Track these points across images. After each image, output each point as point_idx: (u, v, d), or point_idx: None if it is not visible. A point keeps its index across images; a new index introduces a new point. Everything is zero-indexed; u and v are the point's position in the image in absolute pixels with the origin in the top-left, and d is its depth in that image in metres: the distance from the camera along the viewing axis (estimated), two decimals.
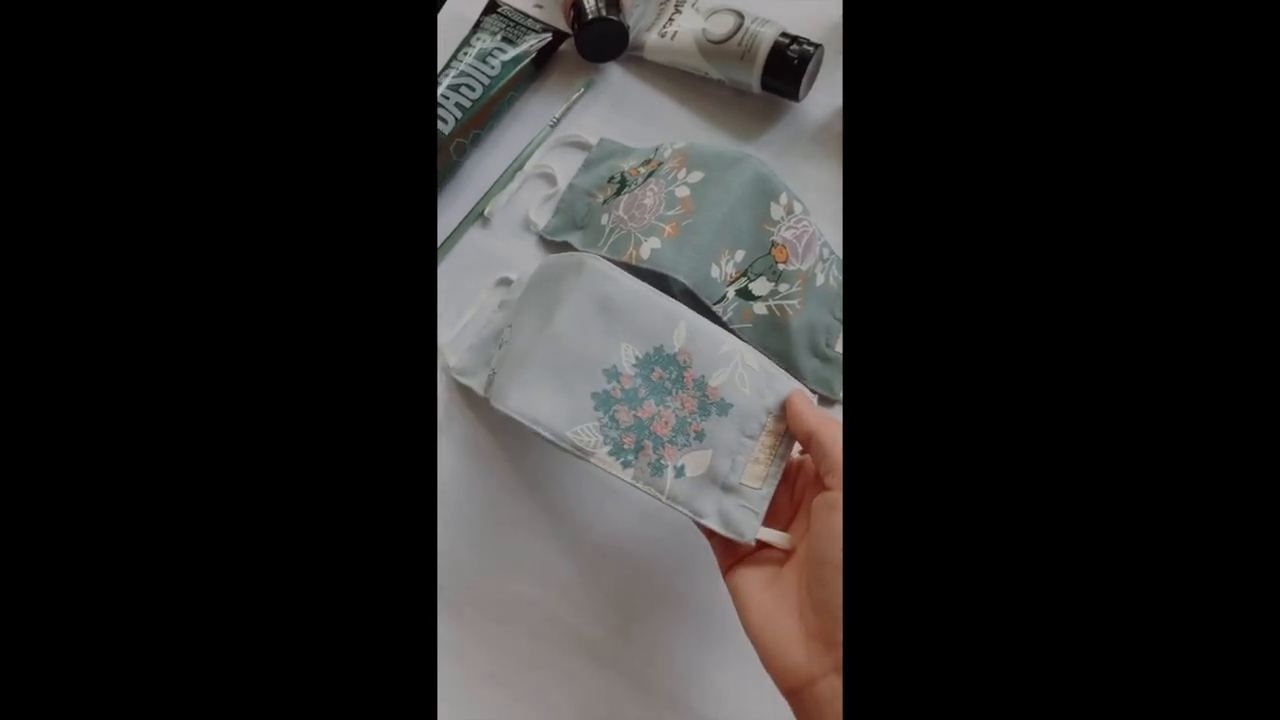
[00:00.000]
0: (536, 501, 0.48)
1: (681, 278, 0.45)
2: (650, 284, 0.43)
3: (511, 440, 0.50)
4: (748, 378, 0.39)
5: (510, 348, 0.40)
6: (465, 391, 0.50)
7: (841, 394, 0.50)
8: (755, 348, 0.42)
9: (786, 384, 0.39)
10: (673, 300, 0.39)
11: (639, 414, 0.38)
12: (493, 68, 0.57)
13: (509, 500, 0.48)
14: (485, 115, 0.56)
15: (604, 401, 0.37)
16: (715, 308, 0.47)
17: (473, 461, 0.49)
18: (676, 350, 0.38)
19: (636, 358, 0.38)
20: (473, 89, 0.56)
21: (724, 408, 0.38)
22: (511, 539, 0.48)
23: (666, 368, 0.38)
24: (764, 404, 0.38)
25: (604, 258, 0.42)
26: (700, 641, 0.46)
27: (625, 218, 0.49)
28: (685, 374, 0.38)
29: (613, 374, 0.38)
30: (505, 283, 0.53)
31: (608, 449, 0.37)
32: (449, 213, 0.56)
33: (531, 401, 0.37)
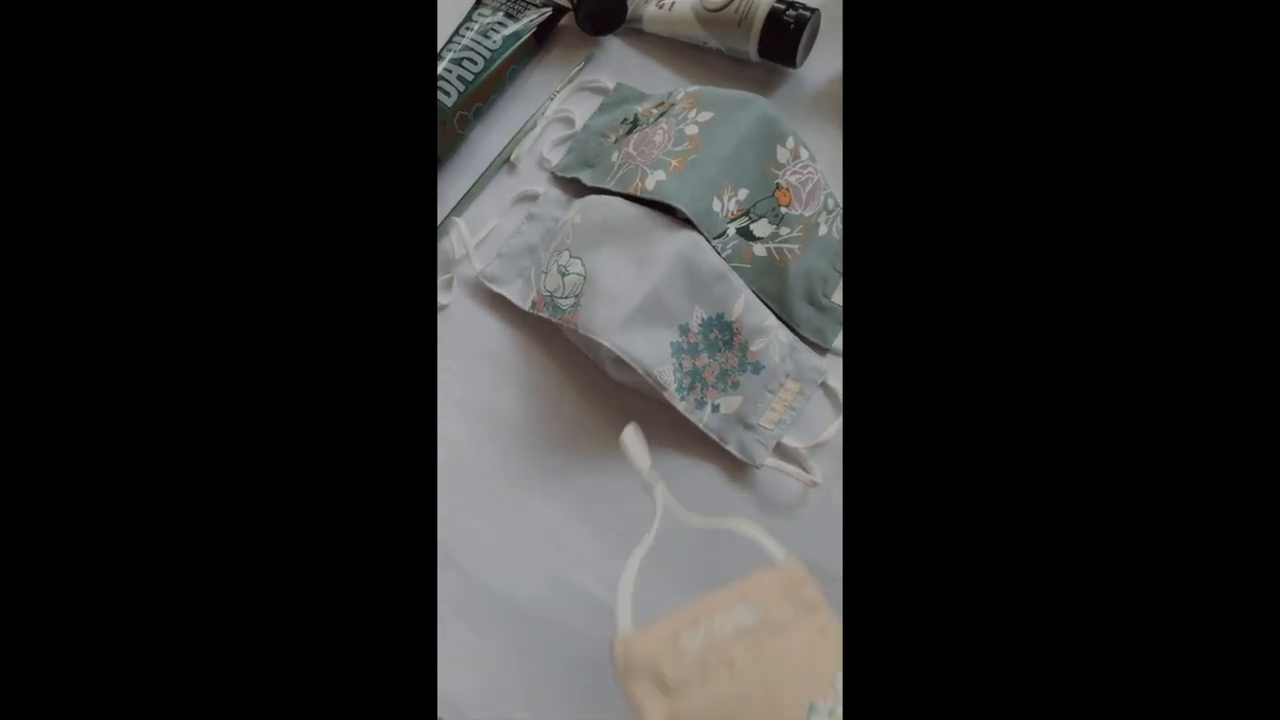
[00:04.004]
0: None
1: (683, 207, 0.45)
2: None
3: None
4: (778, 348, 0.48)
5: (592, 283, 0.46)
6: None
7: (834, 343, 0.50)
8: (751, 289, 0.47)
9: (808, 357, 0.49)
10: (739, 278, 0.47)
11: (696, 363, 0.47)
12: (494, 42, 0.58)
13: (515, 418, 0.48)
14: (488, 89, 0.57)
15: (676, 350, 0.46)
16: (715, 243, 0.46)
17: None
18: (733, 319, 0.47)
19: (703, 319, 0.47)
20: (475, 63, 0.57)
21: (758, 368, 0.48)
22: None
23: (723, 331, 0.47)
24: (786, 369, 0.48)
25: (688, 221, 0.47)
26: None
27: (634, 154, 0.50)
28: (735, 338, 0.47)
29: (684, 329, 0.46)
30: (529, 197, 0.55)
31: (674, 386, 0.46)
32: (456, 184, 0.57)
33: (630, 341, 0.44)
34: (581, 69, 0.60)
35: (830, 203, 0.51)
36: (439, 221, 0.55)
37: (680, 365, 0.46)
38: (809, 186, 0.49)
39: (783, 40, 0.55)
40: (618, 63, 0.60)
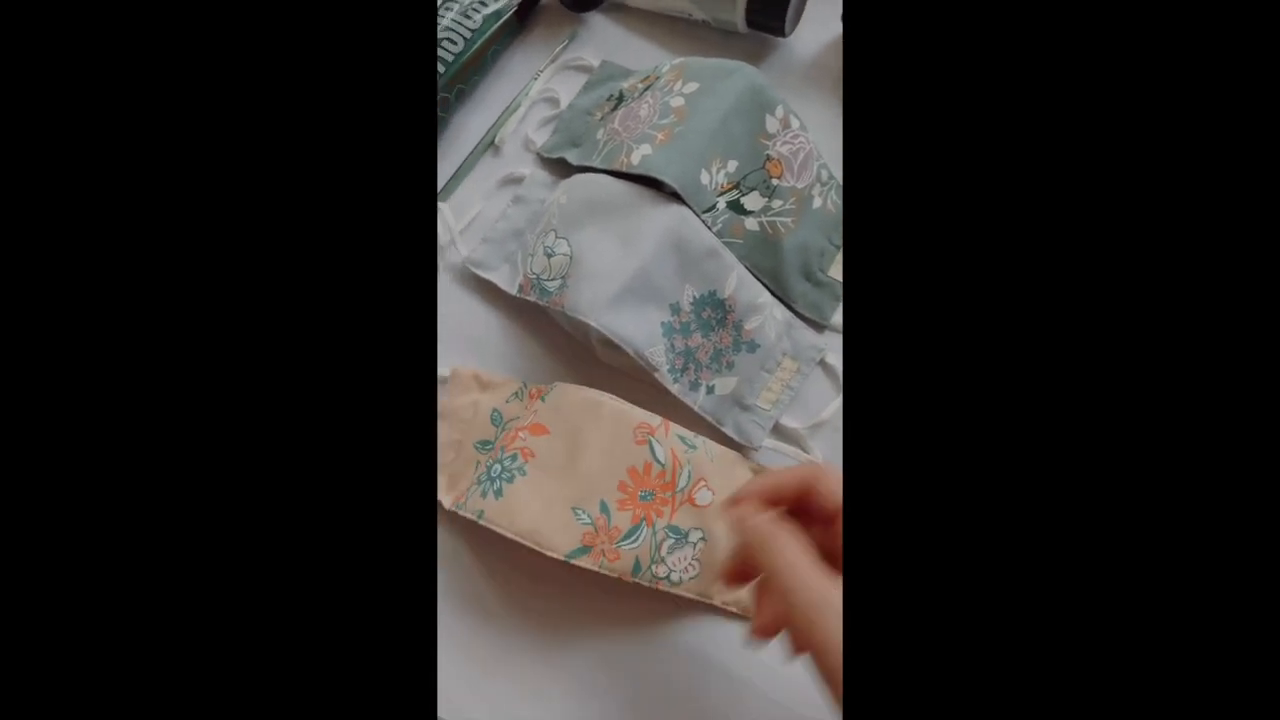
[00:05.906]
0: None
1: (670, 181, 0.43)
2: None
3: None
4: (774, 326, 0.46)
5: (579, 263, 0.44)
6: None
7: (832, 319, 0.48)
8: (744, 265, 0.46)
9: (805, 334, 0.47)
10: (730, 253, 0.45)
11: (689, 343, 0.44)
12: (475, 22, 0.56)
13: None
14: (469, 70, 0.56)
15: (668, 330, 0.44)
16: (704, 217, 0.45)
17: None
18: (726, 296, 0.45)
19: (695, 297, 0.44)
20: (455, 43, 0.55)
21: (753, 346, 0.46)
22: None
23: (715, 309, 0.45)
24: (782, 347, 0.47)
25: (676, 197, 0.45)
26: None
27: (620, 129, 0.48)
28: (728, 316, 0.45)
29: (676, 308, 0.44)
30: (515, 180, 0.54)
31: (666, 368, 0.44)
32: (440, 168, 0.55)
33: (620, 322, 0.42)
34: (565, 47, 0.58)
35: (824, 174, 0.49)
36: None
37: (672, 346, 0.44)
38: (800, 157, 0.47)
39: (770, 6, 0.53)
40: (602, 40, 0.58)
